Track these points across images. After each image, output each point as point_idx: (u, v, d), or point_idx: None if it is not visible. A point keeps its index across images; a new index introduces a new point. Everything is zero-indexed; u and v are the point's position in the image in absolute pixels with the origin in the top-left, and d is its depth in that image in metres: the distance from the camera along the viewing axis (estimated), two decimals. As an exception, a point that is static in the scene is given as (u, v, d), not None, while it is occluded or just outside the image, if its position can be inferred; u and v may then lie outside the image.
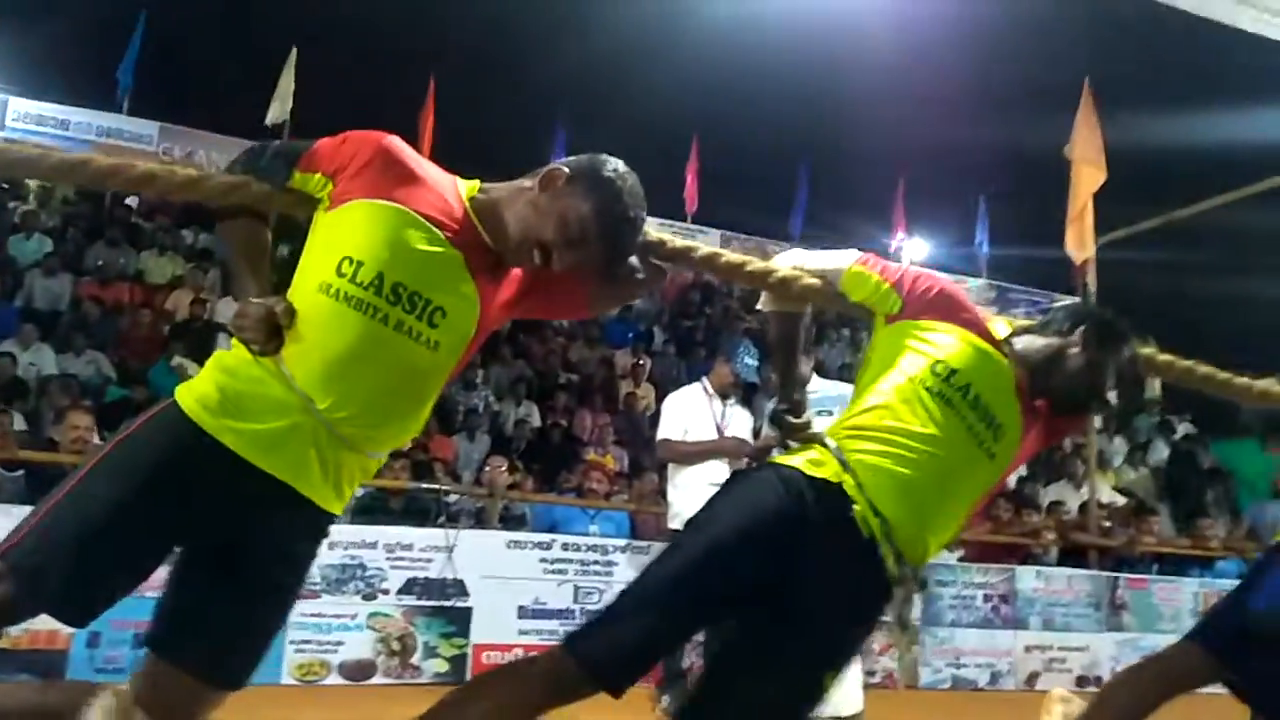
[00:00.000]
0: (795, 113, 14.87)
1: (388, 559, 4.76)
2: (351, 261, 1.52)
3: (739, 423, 4.46)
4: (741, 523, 1.63)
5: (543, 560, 5.00)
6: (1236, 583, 2.43)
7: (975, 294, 15.18)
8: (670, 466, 4.52)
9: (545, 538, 5.12)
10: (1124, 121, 7.54)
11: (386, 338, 1.52)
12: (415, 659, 4.67)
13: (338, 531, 4.85)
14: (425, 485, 5.53)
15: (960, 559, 6.39)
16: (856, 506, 1.64)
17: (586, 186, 1.58)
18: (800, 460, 1.72)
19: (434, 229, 1.56)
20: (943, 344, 1.76)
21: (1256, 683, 2.16)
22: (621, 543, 5.24)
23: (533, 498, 6.28)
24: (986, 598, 6.01)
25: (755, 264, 1.95)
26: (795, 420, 1.87)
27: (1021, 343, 1.84)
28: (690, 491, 4.24)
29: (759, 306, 2.01)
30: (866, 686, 4.33)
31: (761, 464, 1.92)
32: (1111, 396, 1.83)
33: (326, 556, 4.64)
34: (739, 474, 1.92)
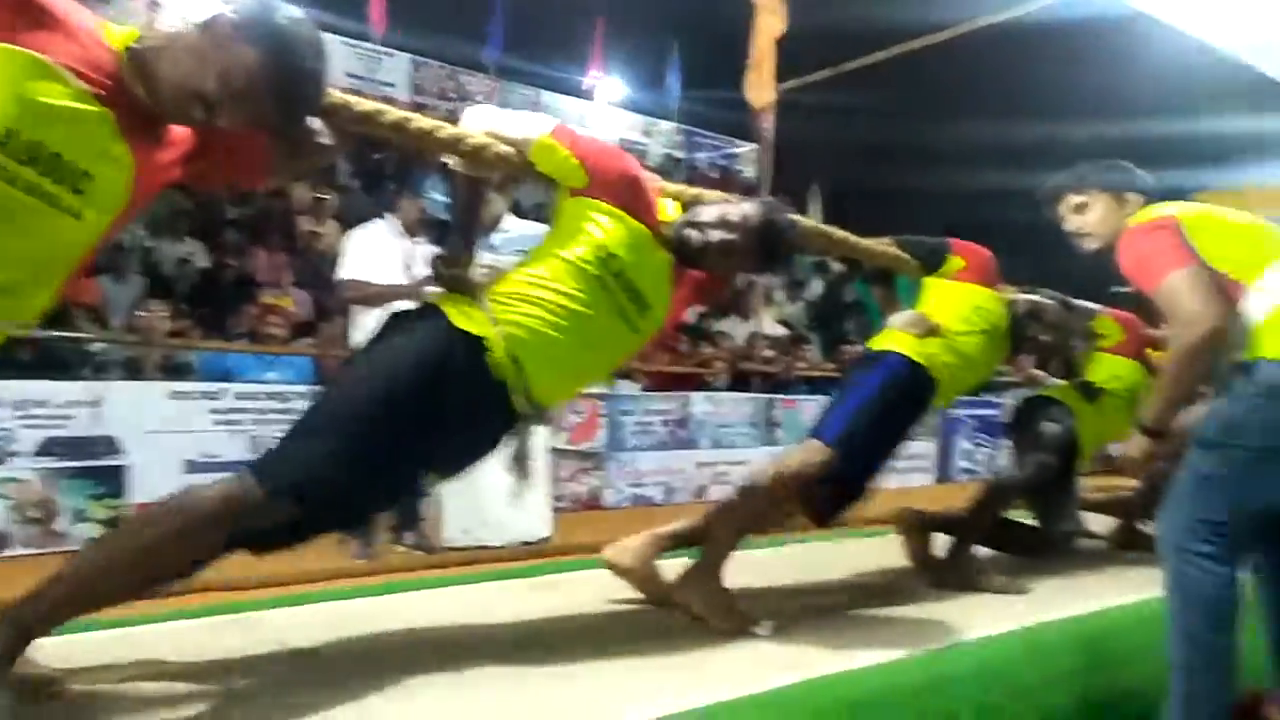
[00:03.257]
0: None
1: (18, 417, 4.15)
2: None
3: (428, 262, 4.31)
4: (407, 366, 1.79)
5: (213, 411, 4.61)
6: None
7: (665, 138, 15.66)
8: (353, 309, 4.30)
9: (215, 387, 4.71)
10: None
11: (19, 204, 1.34)
12: (60, 525, 4.18)
13: (-53, 390, 4.14)
14: (61, 333, 4.81)
15: (643, 389, 6.85)
16: (492, 354, 1.84)
17: (255, 34, 1.43)
18: (453, 311, 1.87)
19: (77, 82, 1.35)
20: (611, 229, 1.94)
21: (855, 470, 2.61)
22: (304, 389, 4.95)
23: (196, 344, 5.71)
24: (665, 423, 6.51)
25: (447, 130, 1.91)
26: (451, 272, 1.96)
27: (680, 222, 2.07)
28: (375, 333, 4.07)
29: (448, 163, 2.01)
30: (555, 510, 4.59)
31: (422, 304, 2.00)
32: (759, 259, 2.17)
33: (-65, 419, 3.95)
34: (399, 316, 1.95)
